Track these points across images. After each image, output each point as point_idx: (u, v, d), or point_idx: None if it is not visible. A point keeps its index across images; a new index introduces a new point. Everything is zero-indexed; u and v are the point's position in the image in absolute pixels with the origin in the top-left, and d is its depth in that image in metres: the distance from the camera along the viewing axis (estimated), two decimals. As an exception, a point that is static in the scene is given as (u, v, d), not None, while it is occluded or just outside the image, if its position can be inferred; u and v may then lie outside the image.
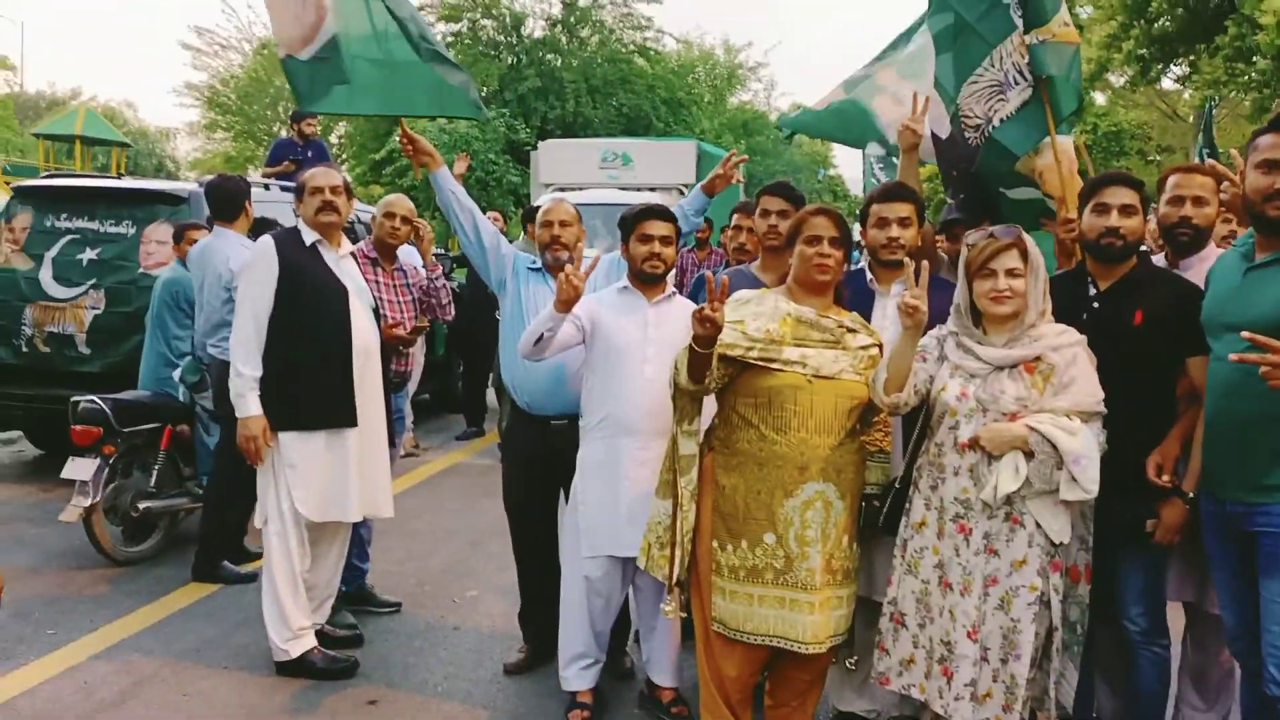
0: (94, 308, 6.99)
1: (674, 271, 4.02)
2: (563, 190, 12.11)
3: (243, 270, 4.37)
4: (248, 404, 4.13)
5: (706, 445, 3.38)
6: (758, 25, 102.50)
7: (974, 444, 3.07)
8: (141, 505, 5.66)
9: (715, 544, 3.28)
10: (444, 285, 5.31)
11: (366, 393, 4.31)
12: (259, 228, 5.56)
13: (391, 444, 4.67)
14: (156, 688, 4.16)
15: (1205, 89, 21.58)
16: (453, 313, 5.47)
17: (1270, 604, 2.85)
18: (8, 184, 13.06)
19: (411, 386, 5.32)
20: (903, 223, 3.56)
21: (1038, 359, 3.09)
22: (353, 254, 4.52)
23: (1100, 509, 3.15)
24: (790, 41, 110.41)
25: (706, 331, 3.05)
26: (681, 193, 10.14)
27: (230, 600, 5.12)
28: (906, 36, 5.55)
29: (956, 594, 3.09)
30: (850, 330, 3.31)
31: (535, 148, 16.17)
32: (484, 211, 4.43)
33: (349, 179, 4.56)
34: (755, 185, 5.08)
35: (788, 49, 78.63)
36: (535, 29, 26.37)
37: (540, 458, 4.22)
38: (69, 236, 7.10)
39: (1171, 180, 3.55)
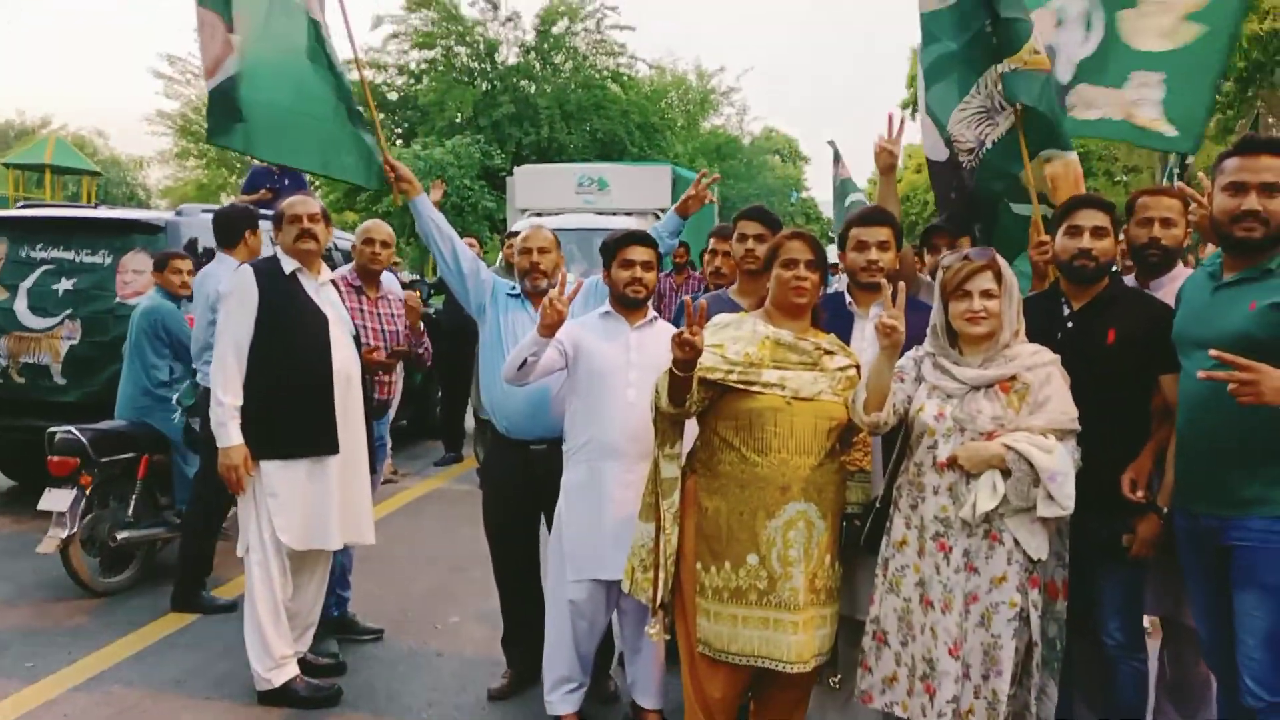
0: (70, 338, 6.94)
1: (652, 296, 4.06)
2: (539, 215, 12.15)
3: (222, 299, 4.38)
4: (229, 433, 4.13)
5: (688, 468, 3.42)
6: (729, 51, 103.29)
7: (952, 463, 3.12)
8: (119, 535, 5.62)
9: (699, 566, 3.31)
10: (425, 349, 5.22)
11: (348, 420, 4.31)
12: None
13: (373, 470, 4.67)
14: (138, 719, 4.13)
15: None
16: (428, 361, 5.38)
17: (1245, 616, 2.90)
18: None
19: (391, 413, 5.30)
20: (881, 246, 3.61)
21: (1013, 378, 3.14)
22: (334, 282, 4.53)
23: (1076, 525, 3.21)
24: (762, 67, 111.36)
25: (686, 355, 3.09)
26: (657, 217, 10.20)
27: (210, 630, 5.09)
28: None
29: (938, 611, 3.13)
30: (828, 352, 3.35)
31: (510, 173, 16.20)
32: (460, 237, 4.45)
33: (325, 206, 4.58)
34: (729, 209, 5.13)
35: (760, 74, 79.27)
36: (509, 55, 26.50)
37: (521, 482, 4.23)
38: (45, 267, 7.05)
39: (1140, 202, 3.64)
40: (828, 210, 37.03)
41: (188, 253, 6.60)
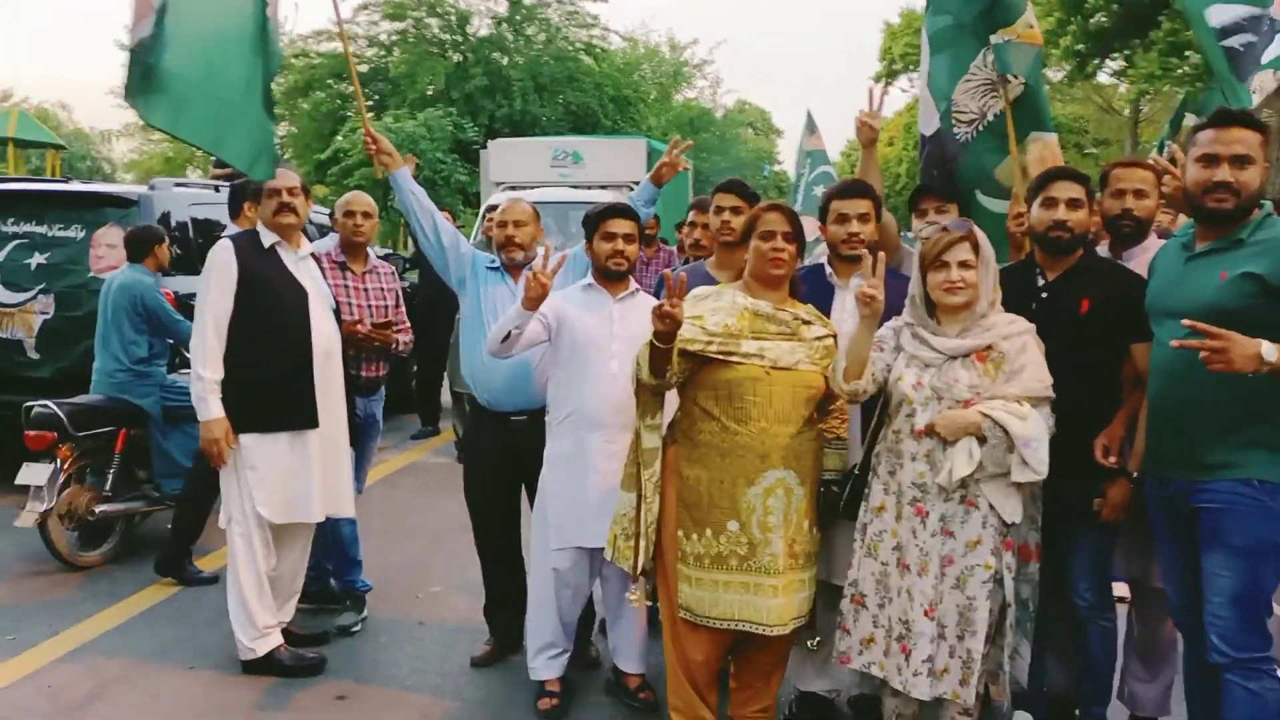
0: (43, 312, 6.90)
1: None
2: (514, 188, 12.12)
3: (202, 274, 4.37)
4: (209, 407, 4.14)
5: (669, 438, 3.47)
6: (702, 23, 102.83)
7: (930, 430, 3.19)
8: (97, 509, 5.61)
9: (680, 533, 3.37)
10: (408, 344, 5.15)
11: (328, 394, 4.33)
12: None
13: (354, 443, 4.69)
14: (124, 689, 4.16)
15: (1140, 83, 22.07)
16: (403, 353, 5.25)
17: (1211, 576, 2.99)
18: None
19: (383, 390, 5.24)
20: (862, 218, 3.64)
21: (989, 348, 3.21)
22: (316, 257, 4.52)
23: (1049, 490, 3.28)
24: (735, 39, 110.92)
25: (666, 327, 3.14)
26: (632, 189, 10.22)
27: (192, 601, 5.11)
28: None
29: (914, 574, 3.21)
30: (805, 322, 3.41)
31: (484, 146, 16.12)
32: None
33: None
34: (702, 181, 5.11)
35: (733, 46, 78.99)
36: (481, 27, 26.24)
37: (502, 454, 4.28)
38: (16, 241, 6.99)
39: (1113, 174, 3.70)
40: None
41: (160, 226, 6.55)
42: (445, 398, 9.52)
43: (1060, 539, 3.45)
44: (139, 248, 5.95)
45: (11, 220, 7.05)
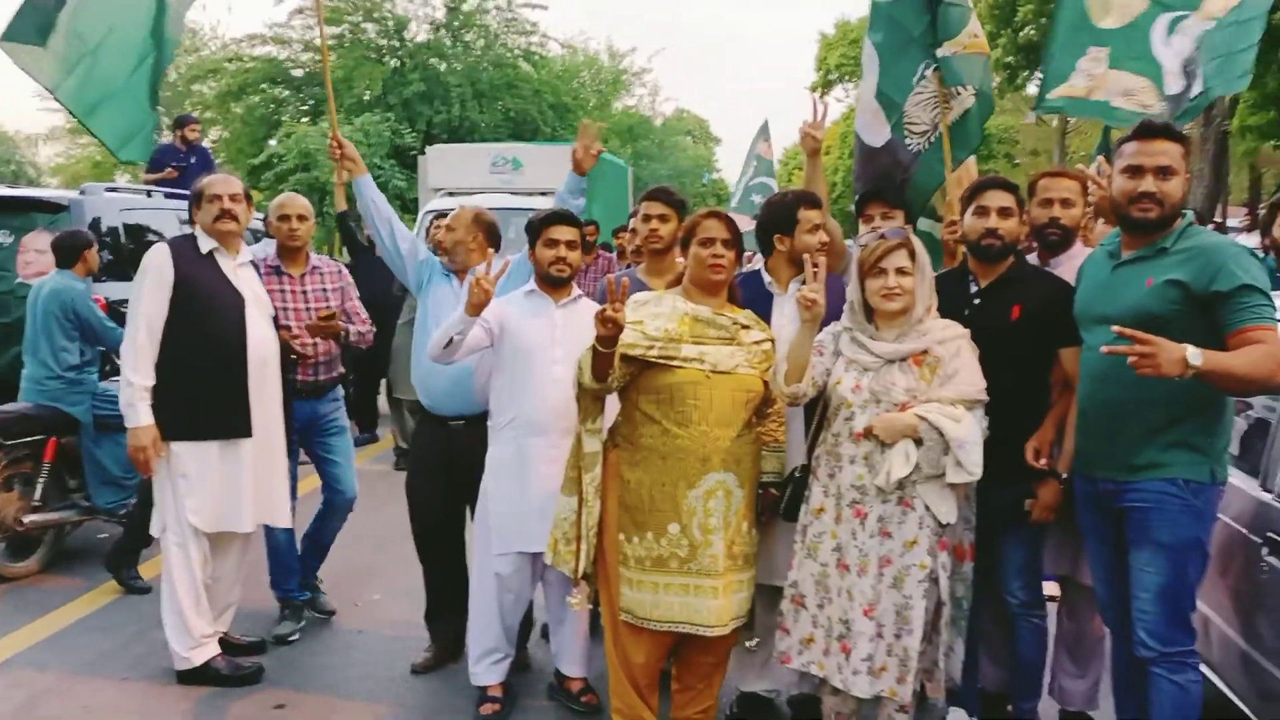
0: (-31, 319, 6.74)
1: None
2: (453, 195, 12.08)
3: (136, 277, 4.29)
4: (138, 413, 4.06)
5: (610, 442, 3.50)
6: (641, 32, 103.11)
7: (868, 433, 3.25)
8: (26, 519, 5.49)
9: (621, 536, 3.40)
10: (366, 334, 5.05)
11: (264, 403, 4.28)
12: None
13: (291, 452, 4.64)
14: (55, 701, 4.08)
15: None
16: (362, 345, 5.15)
17: (1139, 573, 3.09)
18: None
19: (339, 390, 5.11)
20: (812, 230, 3.69)
21: (925, 352, 3.28)
22: (254, 264, 4.47)
23: (983, 491, 3.36)
24: (674, 48, 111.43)
25: (609, 332, 3.17)
26: (571, 197, 10.21)
27: (124, 612, 5.02)
28: None
29: (854, 575, 3.27)
30: (744, 327, 3.46)
31: (422, 152, 16.02)
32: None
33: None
34: (643, 188, 5.16)
35: (671, 55, 79.34)
36: (419, 33, 26.07)
37: (442, 458, 4.27)
38: (-58, 245, 6.84)
39: (1041, 184, 3.80)
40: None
41: (89, 231, 6.43)
42: (383, 404, 9.43)
43: (993, 539, 3.53)
44: (68, 253, 5.82)
45: (-63, 225, 6.88)
